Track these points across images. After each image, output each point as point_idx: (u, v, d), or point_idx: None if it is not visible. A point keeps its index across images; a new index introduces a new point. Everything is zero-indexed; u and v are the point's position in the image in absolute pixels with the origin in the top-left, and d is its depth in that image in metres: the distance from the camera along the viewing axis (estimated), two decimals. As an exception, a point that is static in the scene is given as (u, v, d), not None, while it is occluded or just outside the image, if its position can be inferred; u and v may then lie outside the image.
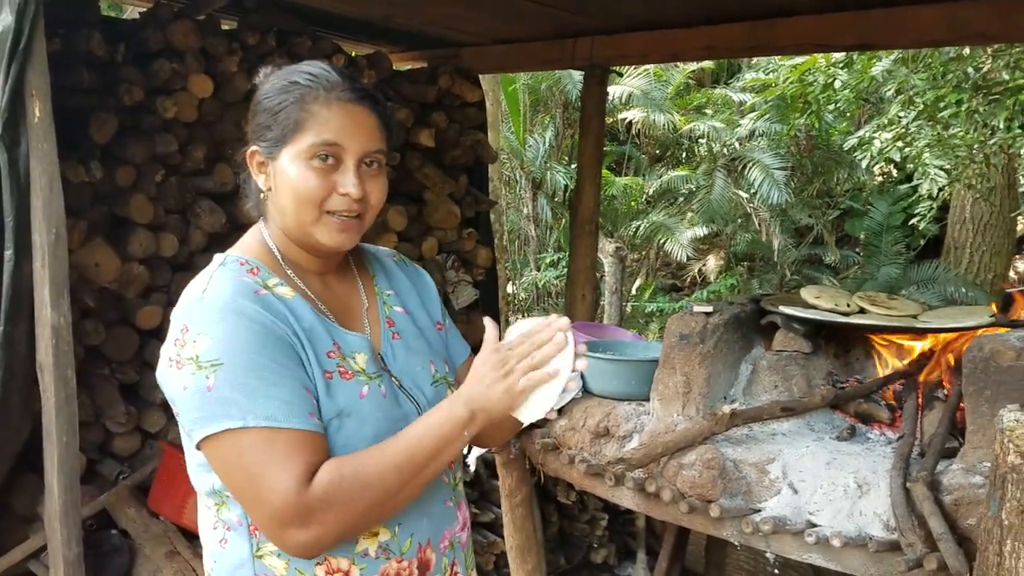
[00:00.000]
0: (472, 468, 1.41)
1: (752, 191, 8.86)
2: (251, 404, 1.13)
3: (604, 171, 10.28)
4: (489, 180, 8.28)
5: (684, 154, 10.23)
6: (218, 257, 1.30)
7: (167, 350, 1.20)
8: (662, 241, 9.73)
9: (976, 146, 5.91)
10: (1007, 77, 5.64)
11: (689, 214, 9.85)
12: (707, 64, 10.78)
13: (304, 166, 1.24)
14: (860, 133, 5.89)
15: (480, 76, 7.69)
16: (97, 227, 3.20)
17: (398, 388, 1.33)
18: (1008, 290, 2.25)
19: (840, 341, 2.32)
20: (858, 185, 9.79)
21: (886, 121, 5.61)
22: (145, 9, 3.50)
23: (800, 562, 1.89)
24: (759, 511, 1.92)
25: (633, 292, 10.60)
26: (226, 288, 1.21)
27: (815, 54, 5.70)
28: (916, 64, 5.84)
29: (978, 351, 1.72)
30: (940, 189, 5.68)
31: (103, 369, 3.33)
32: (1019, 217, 7.70)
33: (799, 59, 5.84)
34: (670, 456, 2.04)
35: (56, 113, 3.06)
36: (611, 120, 10.38)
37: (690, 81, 10.90)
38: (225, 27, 3.73)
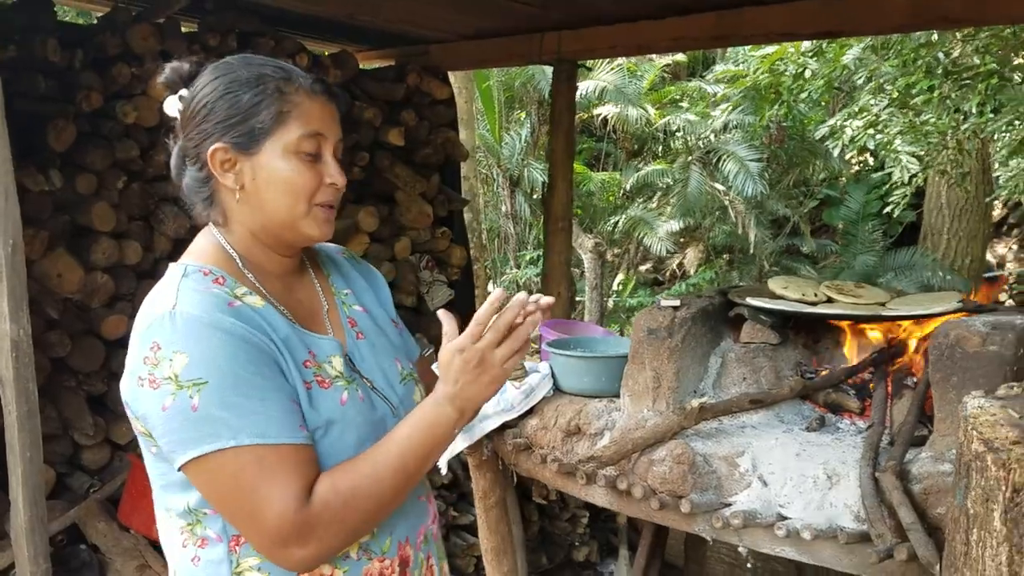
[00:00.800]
0: (445, 471, 1.39)
1: (728, 184, 8.87)
2: (241, 422, 1.10)
3: (581, 167, 10.32)
4: (464, 178, 8.26)
5: (660, 148, 10.23)
6: (175, 267, 1.24)
7: (135, 368, 1.15)
8: (641, 236, 9.73)
9: (949, 132, 5.93)
10: (978, 61, 5.66)
11: (667, 208, 9.86)
12: (680, 57, 10.79)
13: (295, 159, 1.22)
14: (831, 122, 5.89)
15: (451, 73, 7.68)
16: (59, 236, 3.14)
17: (371, 390, 1.31)
18: (985, 275, 2.25)
19: (809, 331, 2.30)
20: (835, 174, 9.83)
21: (857, 109, 5.61)
22: (103, 13, 3.43)
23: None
24: (730, 505, 1.90)
25: (615, 287, 10.60)
26: (198, 301, 1.16)
27: (783, 43, 5.70)
28: (887, 51, 5.85)
29: (944, 337, 1.71)
30: (912, 176, 5.69)
31: (70, 381, 3.27)
32: (996, 201, 7.75)
33: (769, 49, 5.84)
34: (640, 452, 2.02)
35: (13, 121, 3.01)
36: (586, 116, 10.37)
37: (665, 75, 10.90)
38: (185, 29, 3.68)
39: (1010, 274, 9.58)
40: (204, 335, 1.12)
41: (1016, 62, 5.69)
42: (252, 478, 1.10)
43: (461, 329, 1.23)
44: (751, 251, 9.57)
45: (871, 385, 2.06)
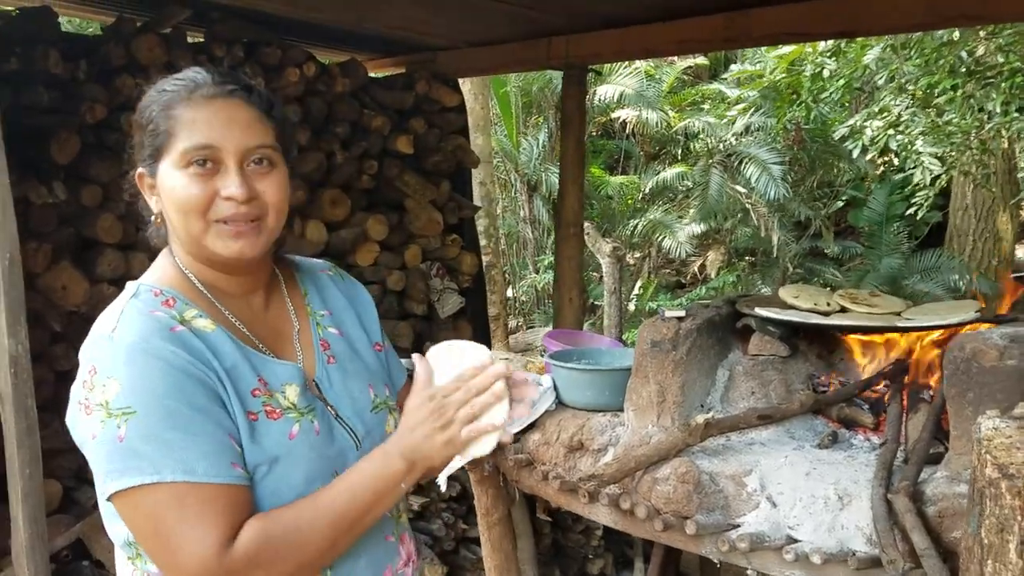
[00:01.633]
0: (444, 488, 1.39)
1: (749, 186, 8.75)
2: (166, 457, 1.05)
3: (599, 171, 10.25)
4: (481, 184, 8.24)
5: (680, 151, 10.12)
6: (130, 286, 1.21)
7: (76, 392, 1.11)
8: (660, 239, 9.63)
9: (972, 132, 5.79)
10: (1001, 60, 5.52)
11: (688, 211, 9.75)
12: (701, 60, 10.68)
13: (181, 175, 1.15)
14: (851, 122, 5.77)
15: (467, 79, 7.64)
16: (63, 249, 3.12)
17: (334, 419, 1.25)
18: (1014, 275, 2.15)
19: (823, 341, 2.22)
20: (860, 175, 9.65)
21: (876, 109, 5.49)
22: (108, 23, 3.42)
23: None
24: (737, 526, 1.82)
25: (636, 291, 10.50)
26: (137, 326, 1.11)
27: (797, 43, 5.59)
28: (908, 51, 5.72)
29: (959, 351, 1.62)
30: (935, 178, 5.56)
31: (76, 394, 3.25)
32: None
33: (786, 50, 5.73)
34: (644, 470, 1.95)
35: (16, 134, 3.01)
36: (604, 119, 10.29)
37: (687, 77, 10.80)
38: (192, 40, 3.66)
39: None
40: (139, 362, 1.07)
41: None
42: (172, 518, 1.05)
43: None
44: (774, 254, 9.43)
45: (886, 399, 1.97)
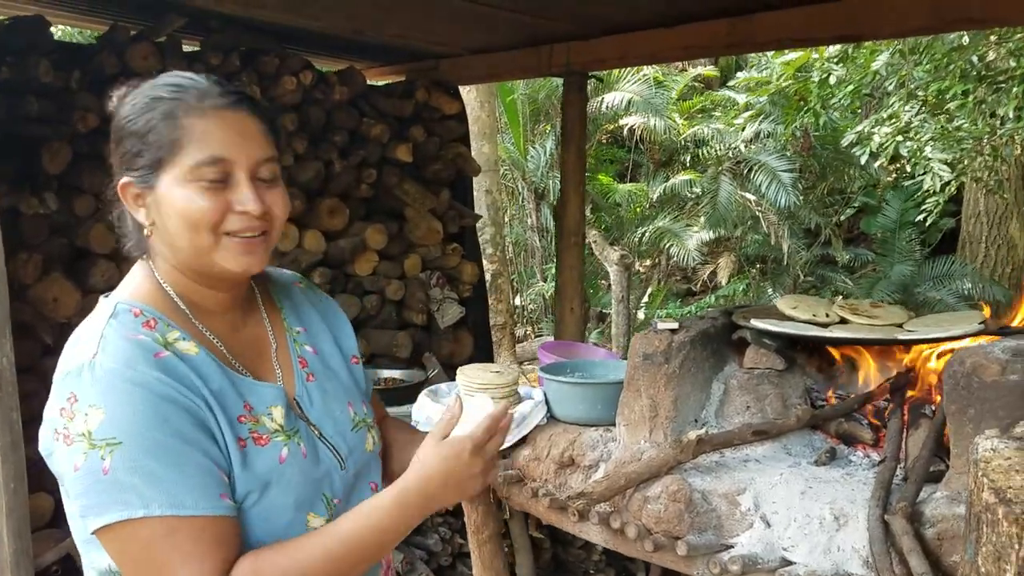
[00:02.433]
0: None
1: (759, 194, 8.66)
2: (153, 491, 1.01)
3: (607, 178, 10.19)
4: (487, 192, 8.20)
5: (689, 158, 10.04)
6: (105, 305, 1.14)
7: (52, 419, 1.05)
8: (669, 246, 9.55)
9: (984, 138, 5.69)
10: (1013, 64, 5.43)
11: (697, 219, 9.66)
12: (711, 69, 10.62)
13: (190, 189, 1.10)
14: (859, 128, 5.68)
15: (473, 87, 7.61)
16: (55, 260, 3.09)
17: (318, 439, 1.22)
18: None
19: (822, 354, 2.15)
20: (872, 182, 9.54)
21: (885, 116, 5.40)
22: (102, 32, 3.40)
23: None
24: (731, 547, 1.76)
25: (646, 299, 10.42)
26: (120, 352, 1.06)
27: (800, 49, 5.52)
28: (918, 56, 5.64)
29: (959, 365, 1.55)
30: (945, 184, 5.46)
31: (69, 406, 3.22)
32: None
33: (792, 56, 5.66)
34: (635, 488, 1.89)
35: (7, 144, 2.99)
36: (613, 127, 10.23)
37: (697, 84, 10.72)
38: (189, 48, 3.64)
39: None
40: (123, 390, 1.03)
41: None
42: (163, 552, 1.01)
43: None
44: (784, 261, 9.33)
45: (886, 414, 1.90)
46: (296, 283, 1.41)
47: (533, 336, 10.25)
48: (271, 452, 1.13)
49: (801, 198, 8.75)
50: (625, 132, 10.34)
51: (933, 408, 1.84)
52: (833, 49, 5.49)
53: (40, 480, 2.80)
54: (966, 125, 5.52)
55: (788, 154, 8.69)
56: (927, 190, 5.55)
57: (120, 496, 1.00)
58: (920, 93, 5.64)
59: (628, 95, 9.24)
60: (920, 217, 6.18)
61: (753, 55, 8.59)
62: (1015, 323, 2.00)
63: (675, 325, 2.02)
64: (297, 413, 1.21)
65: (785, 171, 8.42)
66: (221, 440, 1.09)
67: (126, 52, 3.24)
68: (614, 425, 2.11)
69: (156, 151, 1.11)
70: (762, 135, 8.71)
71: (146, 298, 1.15)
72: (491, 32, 3.80)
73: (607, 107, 9.45)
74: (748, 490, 1.78)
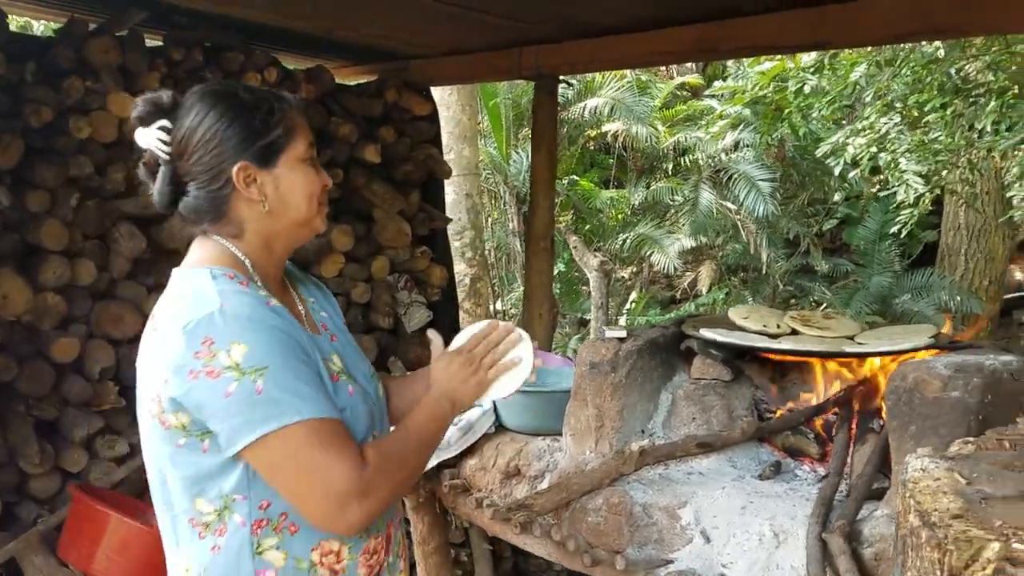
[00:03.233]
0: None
1: (738, 203, 8.65)
2: (300, 402, 1.22)
3: (588, 184, 10.16)
4: (467, 196, 8.14)
5: (671, 166, 10.03)
6: (198, 272, 1.32)
7: (184, 363, 1.21)
8: (650, 253, 9.52)
9: (961, 150, 5.69)
10: (991, 77, 5.42)
11: (684, 226, 9.65)
12: (694, 77, 10.61)
13: (306, 167, 1.38)
14: (834, 139, 5.67)
15: (454, 91, 7.56)
16: (6, 256, 3.02)
17: (356, 384, 1.43)
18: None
19: (774, 365, 2.11)
20: (855, 193, 9.55)
21: (860, 127, 5.39)
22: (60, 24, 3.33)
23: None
24: (671, 562, 1.71)
25: (629, 306, 10.39)
26: (242, 301, 1.27)
27: (779, 58, 5.51)
28: (896, 67, 5.63)
29: (901, 380, 1.52)
30: (919, 196, 5.45)
31: (19, 406, 3.14)
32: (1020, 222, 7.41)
33: (768, 65, 5.64)
34: (577, 499, 1.84)
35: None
36: (595, 133, 10.20)
37: (685, 92, 10.71)
38: (152, 43, 3.58)
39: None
40: (257, 328, 1.24)
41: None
42: (318, 448, 1.22)
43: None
44: (764, 271, 9.32)
45: (834, 428, 1.86)
46: (293, 267, 1.62)
47: (512, 341, 10.17)
48: (343, 387, 1.36)
49: (781, 208, 8.74)
50: (609, 138, 10.33)
51: (881, 423, 1.80)
52: (809, 59, 5.47)
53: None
54: (943, 138, 5.51)
55: (768, 163, 8.69)
56: (902, 202, 5.53)
57: (276, 409, 1.20)
58: (898, 105, 5.62)
59: (610, 101, 9.21)
60: (895, 229, 6.17)
61: (732, 64, 8.58)
62: (964, 338, 1.96)
63: (623, 334, 1.98)
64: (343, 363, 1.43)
65: (764, 180, 8.42)
66: (322, 371, 1.32)
67: (84, 46, 3.17)
68: (562, 435, 2.06)
69: (279, 138, 1.35)
70: (742, 144, 8.70)
71: (229, 265, 1.34)
72: (462, 33, 3.76)
73: (590, 112, 9.43)
74: (689, 504, 1.74)
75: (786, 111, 5.82)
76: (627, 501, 1.74)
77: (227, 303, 1.25)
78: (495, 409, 2.20)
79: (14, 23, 4.39)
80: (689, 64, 10.80)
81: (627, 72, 9.26)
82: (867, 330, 2.04)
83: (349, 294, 4.02)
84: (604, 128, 9.73)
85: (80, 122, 3.13)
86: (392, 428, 1.49)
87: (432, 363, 1.52)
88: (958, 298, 7.47)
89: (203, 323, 1.22)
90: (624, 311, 10.13)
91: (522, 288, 10.15)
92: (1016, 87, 5.04)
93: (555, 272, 10.29)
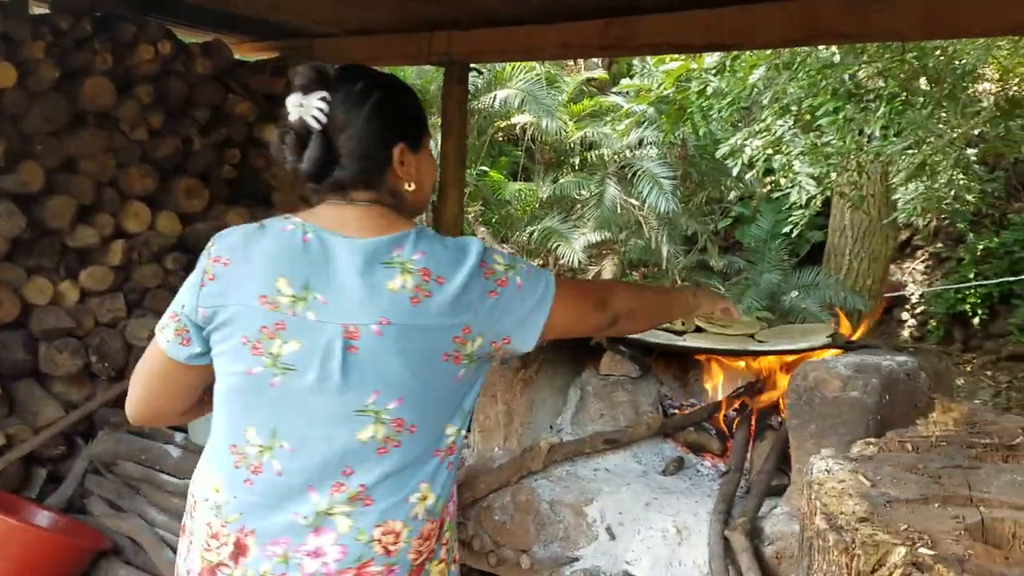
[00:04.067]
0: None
1: (641, 199, 8.81)
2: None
3: (498, 175, 10.14)
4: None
5: (578, 161, 10.11)
6: (422, 228, 1.39)
7: (483, 288, 1.33)
8: (556, 246, 9.58)
9: (851, 154, 5.92)
10: (881, 84, 5.66)
11: (590, 220, 9.74)
12: (601, 72, 10.72)
13: (432, 156, 1.49)
14: (732, 141, 5.82)
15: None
16: None
17: None
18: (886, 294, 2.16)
19: (680, 362, 2.13)
20: (748, 193, 9.86)
21: (757, 129, 5.55)
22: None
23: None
24: (577, 560, 1.70)
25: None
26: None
27: (683, 58, 5.61)
28: (792, 71, 5.81)
29: (802, 380, 1.55)
30: (811, 198, 5.66)
31: None
32: (901, 223, 7.80)
33: (673, 65, 5.74)
34: (484, 498, 1.81)
35: None
36: (505, 123, 10.19)
37: (593, 88, 10.79)
38: (38, 10, 3.34)
39: (911, 295, 9.77)
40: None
41: (923, 87, 5.72)
42: (584, 287, 1.65)
43: None
44: (663, 266, 9.51)
45: (735, 424, 1.89)
46: None
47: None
48: None
49: (681, 205, 8.94)
50: (518, 130, 10.32)
51: (780, 420, 1.84)
52: (711, 60, 5.59)
53: None
54: (834, 141, 5.73)
55: (670, 162, 8.87)
56: (794, 203, 5.73)
57: (545, 275, 1.41)
58: (793, 108, 5.81)
59: (520, 93, 9.21)
60: (787, 229, 6.39)
61: (638, 62, 8.71)
62: (855, 337, 2.03)
63: (533, 329, 1.95)
64: None
65: (666, 178, 8.58)
66: None
67: (-41, 9, 2.93)
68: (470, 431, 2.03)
69: (423, 126, 1.45)
70: (645, 141, 8.85)
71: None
72: (369, 12, 3.65)
73: (500, 104, 9.39)
74: (596, 501, 1.73)
75: (688, 111, 5.93)
76: (534, 499, 1.72)
77: (456, 240, 1.41)
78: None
79: None
80: (596, 60, 10.91)
81: (535, 64, 9.26)
82: (766, 328, 2.08)
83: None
84: (513, 120, 9.72)
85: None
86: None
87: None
88: (843, 296, 7.81)
89: (478, 254, 1.35)
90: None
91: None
92: (905, 93, 5.28)
93: (463, 263, 10.27)
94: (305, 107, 1.33)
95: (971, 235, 9.07)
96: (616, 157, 9.36)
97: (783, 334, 2.00)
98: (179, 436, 3.06)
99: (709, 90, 5.43)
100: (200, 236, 3.65)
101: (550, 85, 9.81)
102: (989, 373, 8.39)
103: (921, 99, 5.61)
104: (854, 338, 1.96)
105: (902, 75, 5.55)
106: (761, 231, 9.19)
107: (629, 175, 9.06)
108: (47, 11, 3.36)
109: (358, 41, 3.96)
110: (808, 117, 5.81)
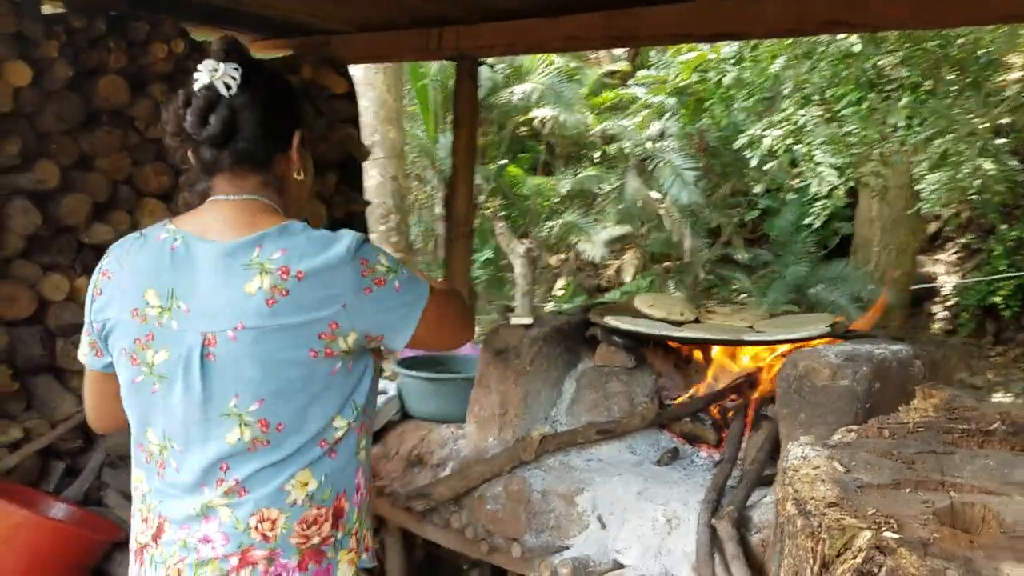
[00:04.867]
0: None
1: (663, 192, 8.74)
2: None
3: (516, 170, 10.13)
4: (393, 179, 8.03)
5: (599, 154, 10.07)
6: (296, 224, 1.36)
7: (360, 284, 1.32)
8: (576, 241, 9.55)
9: (875, 144, 5.84)
10: (905, 73, 5.57)
11: (611, 214, 9.69)
12: (624, 66, 10.67)
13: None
14: (751, 131, 5.76)
15: (379, 72, 7.42)
16: None
17: None
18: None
19: (678, 353, 2.12)
20: (775, 184, 9.75)
21: (776, 119, 5.49)
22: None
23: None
24: (567, 548, 1.70)
25: (557, 293, 10.42)
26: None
27: (697, 48, 5.56)
28: (813, 60, 5.74)
29: (792, 368, 1.53)
30: (832, 188, 5.59)
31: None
32: (931, 215, 7.67)
33: (690, 55, 5.69)
34: (477, 487, 1.82)
35: None
36: (524, 118, 10.18)
37: (612, 81, 10.74)
38: (51, 10, 3.40)
39: (941, 286, 9.61)
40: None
41: (946, 76, 5.62)
42: (453, 303, 1.51)
43: None
44: (687, 259, 9.44)
45: (730, 414, 1.87)
46: None
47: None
48: None
49: (704, 197, 8.86)
50: (537, 124, 10.31)
51: (775, 410, 1.82)
52: (729, 50, 5.54)
53: None
54: (857, 131, 5.65)
55: (692, 153, 8.80)
56: (815, 193, 5.66)
57: (423, 284, 1.41)
58: (815, 98, 5.74)
59: (539, 87, 9.19)
60: (809, 220, 6.32)
61: (655, 53, 8.64)
62: (867, 327, 2.00)
63: (529, 321, 1.96)
64: None
65: (688, 169, 8.51)
66: None
67: (-25, 9, 2.99)
68: (466, 422, 2.04)
69: (306, 124, 1.46)
70: (666, 133, 8.79)
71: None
72: (379, 10, 3.67)
73: (519, 98, 9.38)
74: (587, 490, 1.73)
75: (707, 102, 5.88)
76: (526, 488, 1.72)
77: (350, 234, 1.38)
78: (400, 396, 2.15)
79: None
80: (619, 51, 10.86)
81: (555, 58, 9.24)
82: (768, 319, 2.06)
83: (261, 276, 3.90)
84: (533, 114, 9.71)
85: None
86: None
87: None
88: (870, 288, 7.71)
89: (361, 250, 1.34)
90: (550, 298, 10.15)
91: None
92: (928, 83, 5.20)
93: (484, 259, 10.27)
94: (219, 73, 1.32)
95: (1003, 226, 8.90)
96: (637, 150, 9.31)
97: (783, 324, 1.98)
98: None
99: (727, 80, 5.37)
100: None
101: (570, 78, 9.78)
102: (1022, 366, 8.24)
103: (945, 88, 5.51)
104: (857, 327, 1.94)
105: (924, 64, 5.46)
106: (787, 223, 9.08)
107: (651, 168, 9.01)
108: (61, 10, 3.42)
109: (371, 38, 3.97)
110: (835, 107, 5.73)
